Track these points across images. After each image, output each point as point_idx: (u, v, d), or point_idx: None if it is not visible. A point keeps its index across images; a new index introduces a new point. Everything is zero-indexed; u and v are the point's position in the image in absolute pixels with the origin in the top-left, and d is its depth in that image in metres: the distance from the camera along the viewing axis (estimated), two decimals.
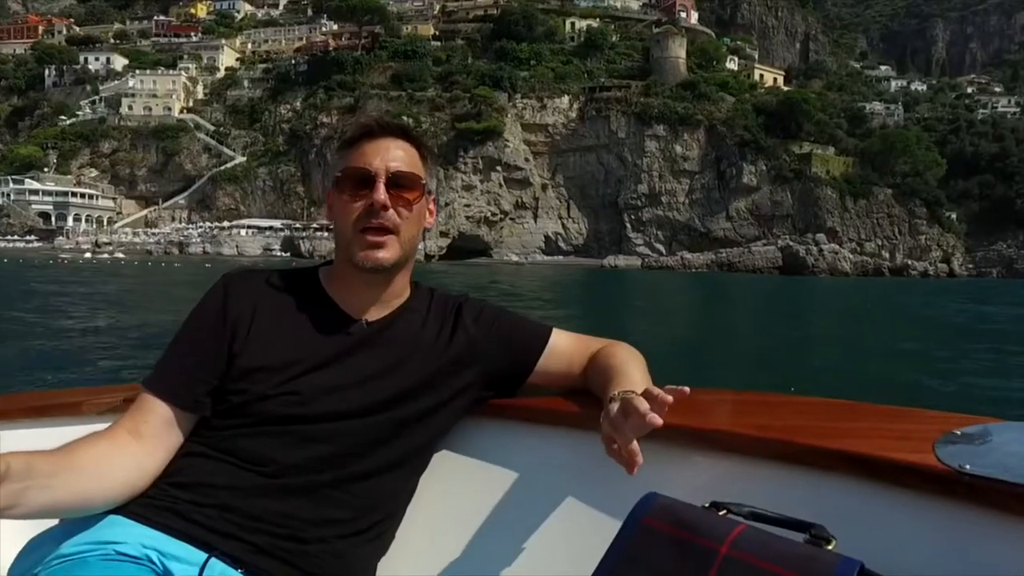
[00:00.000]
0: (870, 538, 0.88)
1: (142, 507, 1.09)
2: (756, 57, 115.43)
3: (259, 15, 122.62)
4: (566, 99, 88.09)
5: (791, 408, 1.26)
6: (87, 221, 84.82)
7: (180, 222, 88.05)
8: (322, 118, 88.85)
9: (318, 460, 1.14)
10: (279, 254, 78.61)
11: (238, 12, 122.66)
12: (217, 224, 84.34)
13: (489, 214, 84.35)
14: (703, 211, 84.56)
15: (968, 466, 0.87)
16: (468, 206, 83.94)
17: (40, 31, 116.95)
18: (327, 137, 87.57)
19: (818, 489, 0.99)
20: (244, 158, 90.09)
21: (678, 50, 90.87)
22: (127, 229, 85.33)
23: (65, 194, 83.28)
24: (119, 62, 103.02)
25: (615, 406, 1.06)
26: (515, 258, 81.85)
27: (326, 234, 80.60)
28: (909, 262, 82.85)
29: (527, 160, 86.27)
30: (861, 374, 11.76)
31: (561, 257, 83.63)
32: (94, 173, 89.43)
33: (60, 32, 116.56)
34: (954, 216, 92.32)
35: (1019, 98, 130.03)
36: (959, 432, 0.98)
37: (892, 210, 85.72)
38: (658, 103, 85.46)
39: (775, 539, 0.85)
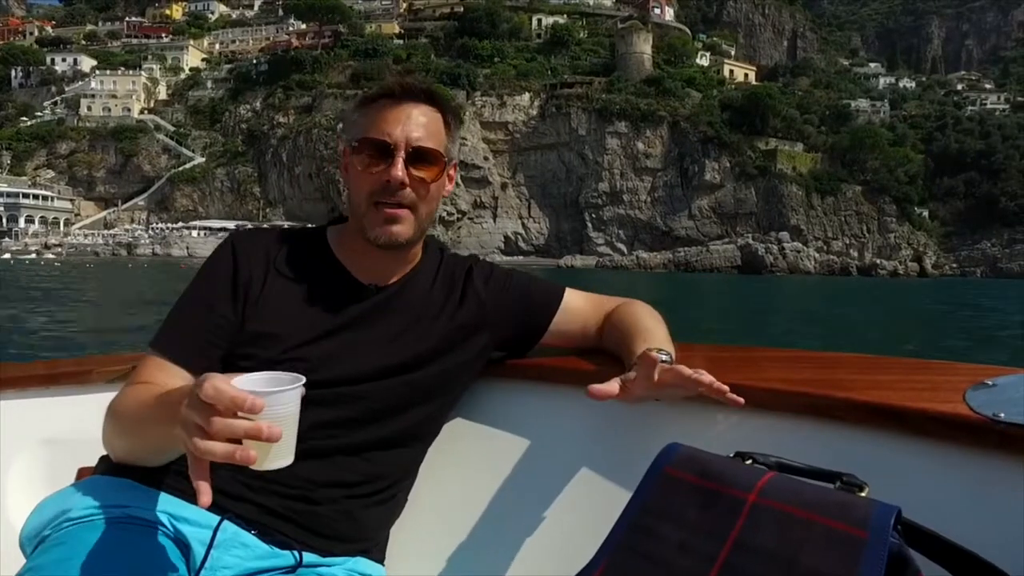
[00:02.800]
0: (901, 489, 0.85)
1: (152, 471, 1.06)
2: (732, 53, 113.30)
3: (233, 16, 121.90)
4: (527, 96, 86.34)
5: (813, 363, 1.23)
6: (41, 223, 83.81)
7: (139, 223, 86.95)
8: (279, 118, 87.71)
9: (330, 424, 1.12)
10: None
11: (212, 13, 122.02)
12: (169, 225, 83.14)
13: (445, 214, 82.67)
14: (665, 209, 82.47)
15: (1003, 414, 0.85)
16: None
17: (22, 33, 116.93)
18: (283, 137, 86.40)
19: (846, 442, 0.98)
20: (203, 159, 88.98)
21: (643, 45, 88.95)
22: (78, 231, 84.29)
23: (16, 195, 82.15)
24: (87, 63, 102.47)
25: (656, 371, 1.04)
26: None
27: None
28: (878, 261, 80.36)
29: (486, 159, 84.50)
30: None
31: (520, 257, 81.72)
32: (50, 174, 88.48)
33: (32, 33, 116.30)
34: (925, 214, 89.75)
35: (1009, 95, 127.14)
36: (990, 382, 0.97)
37: (861, 207, 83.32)
38: (620, 99, 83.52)
39: (806, 486, 0.83)
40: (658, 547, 0.84)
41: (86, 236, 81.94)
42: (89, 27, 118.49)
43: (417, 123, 1.15)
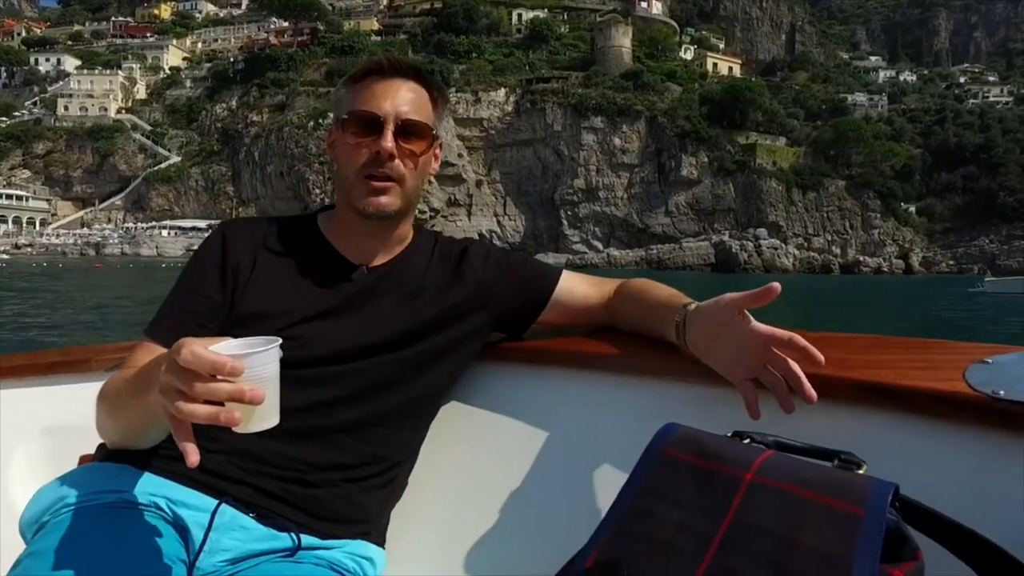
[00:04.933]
0: (900, 468, 0.85)
1: (149, 455, 1.07)
2: (721, 47, 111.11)
3: (221, 15, 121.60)
4: (502, 92, 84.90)
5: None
6: (15, 223, 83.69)
7: (116, 223, 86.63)
8: (253, 116, 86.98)
9: (323, 403, 1.12)
10: None
11: (199, 12, 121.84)
12: (139, 224, 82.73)
13: (418, 212, 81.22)
14: (642, 206, 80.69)
15: (1003, 392, 0.86)
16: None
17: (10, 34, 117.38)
18: (256, 135, 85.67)
19: (844, 422, 0.98)
20: (179, 158, 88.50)
21: (622, 39, 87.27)
22: (51, 231, 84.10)
23: None
24: (71, 63, 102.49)
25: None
26: None
27: None
28: (861, 258, 78.11)
29: (460, 156, 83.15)
30: None
31: None
32: (26, 174, 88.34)
33: (19, 34, 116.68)
34: (912, 209, 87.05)
35: (1013, 87, 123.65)
36: (990, 360, 0.97)
37: (844, 203, 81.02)
38: (596, 94, 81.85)
39: (804, 464, 0.83)
40: (656, 526, 0.84)
41: (58, 236, 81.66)
42: (76, 27, 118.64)
43: (405, 98, 1.16)
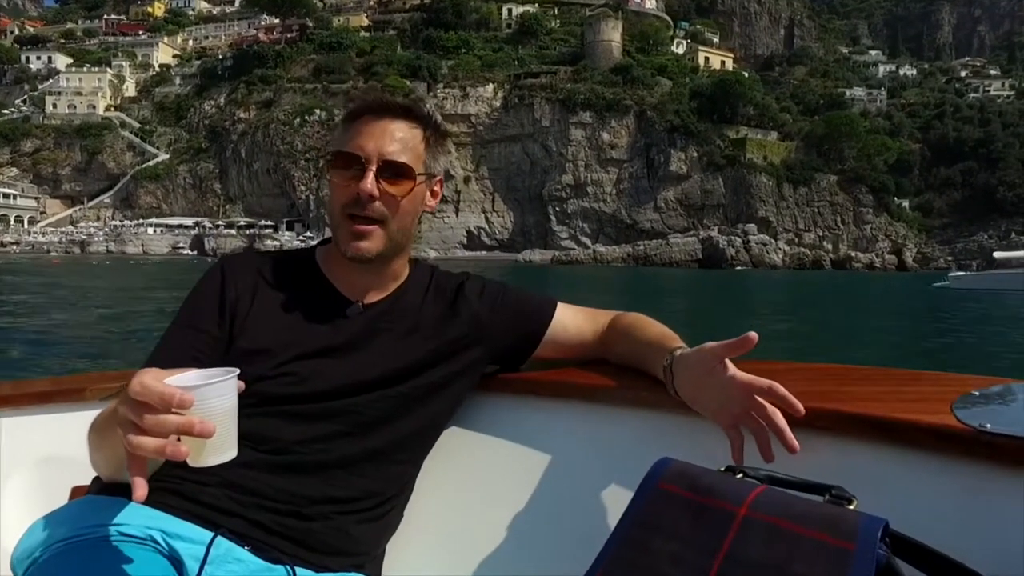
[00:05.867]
0: (890, 500, 0.87)
1: None
2: (716, 42, 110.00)
3: (214, 12, 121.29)
4: (490, 87, 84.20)
5: (801, 374, 1.23)
6: (2, 221, 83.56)
7: (104, 221, 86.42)
8: (240, 113, 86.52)
9: (320, 438, 1.13)
10: (187, 252, 76.33)
11: (192, 10, 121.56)
12: (125, 222, 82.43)
13: None
14: (631, 201, 79.82)
15: (989, 425, 0.86)
16: None
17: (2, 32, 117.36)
18: (243, 132, 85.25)
19: (834, 454, 0.98)
20: (167, 156, 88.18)
21: (612, 33, 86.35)
22: (37, 229, 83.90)
23: None
24: (62, 61, 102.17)
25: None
26: (433, 254, 78.12)
27: (234, 231, 78.42)
28: (853, 254, 76.99)
29: (448, 152, 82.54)
30: None
31: (484, 252, 79.78)
32: (14, 172, 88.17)
33: (12, 32, 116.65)
34: (906, 204, 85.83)
35: (1014, 81, 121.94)
36: (977, 393, 0.98)
37: (835, 198, 79.89)
38: (585, 89, 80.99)
39: (796, 499, 0.84)
40: (651, 560, 0.84)
41: (44, 235, 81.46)
42: (69, 25, 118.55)
43: (392, 137, 1.16)
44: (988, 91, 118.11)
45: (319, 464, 1.12)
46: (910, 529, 0.79)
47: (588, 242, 78.97)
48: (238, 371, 0.84)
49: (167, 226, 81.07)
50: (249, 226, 79.55)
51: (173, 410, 0.78)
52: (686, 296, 30.21)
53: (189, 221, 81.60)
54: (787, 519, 0.79)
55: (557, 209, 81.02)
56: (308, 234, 72.77)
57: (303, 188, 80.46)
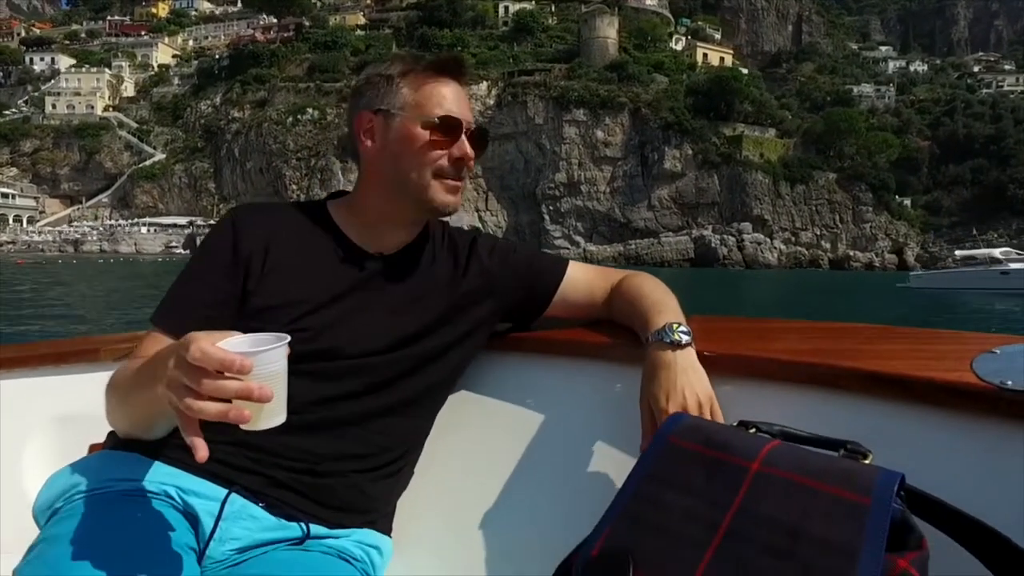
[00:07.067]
0: (906, 457, 0.86)
1: (160, 444, 1.08)
2: (718, 38, 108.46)
3: (217, 12, 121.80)
4: (484, 85, 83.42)
5: (822, 333, 1.23)
6: (1, 221, 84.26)
7: (101, 221, 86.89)
8: (235, 113, 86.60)
9: (335, 397, 1.13)
10: (181, 251, 76.48)
11: (195, 10, 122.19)
12: (120, 221, 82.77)
13: None
14: (625, 200, 78.67)
15: (1010, 382, 0.86)
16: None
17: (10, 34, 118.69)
18: (237, 132, 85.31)
19: (851, 412, 0.98)
20: (163, 156, 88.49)
21: (607, 30, 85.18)
22: (33, 229, 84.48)
23: None
24: (65, 62, 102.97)
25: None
26: None
27: None
28: (852, 253, 75.37)
29: None
30: None
31: None
32: (13, 172, 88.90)
33: (19, 34, 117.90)
34: (908, 203, 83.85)
35: None
36: (998, 351, 0.97)
37: (834, 196, 78.16)
38: (579, 86, 79.99)
39: (810, 454, 0.83)
40: (662, 515, 0.84)
41: (40, 234, 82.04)
42: (74, 26, 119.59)
43: (467, 103, 1.20)
44: (1001, 87, 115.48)
45: (334, 421, 1.11)
46: (927, 486, 0.79)
47: (581, 240, 78.01)
48: (289, 338, 0.84)
49: (160, 225, 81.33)
50: None
51: (228, 375, 0.78)
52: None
53: (183, 220, 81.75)
54: (801, 474, 0.78)
55: (551, 208, 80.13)
56: None
57: (295, 187, 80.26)
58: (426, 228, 1.29)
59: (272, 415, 0.82)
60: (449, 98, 1.16)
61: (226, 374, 0.79)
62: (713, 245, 69.35)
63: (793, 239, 75.81)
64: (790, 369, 1.04)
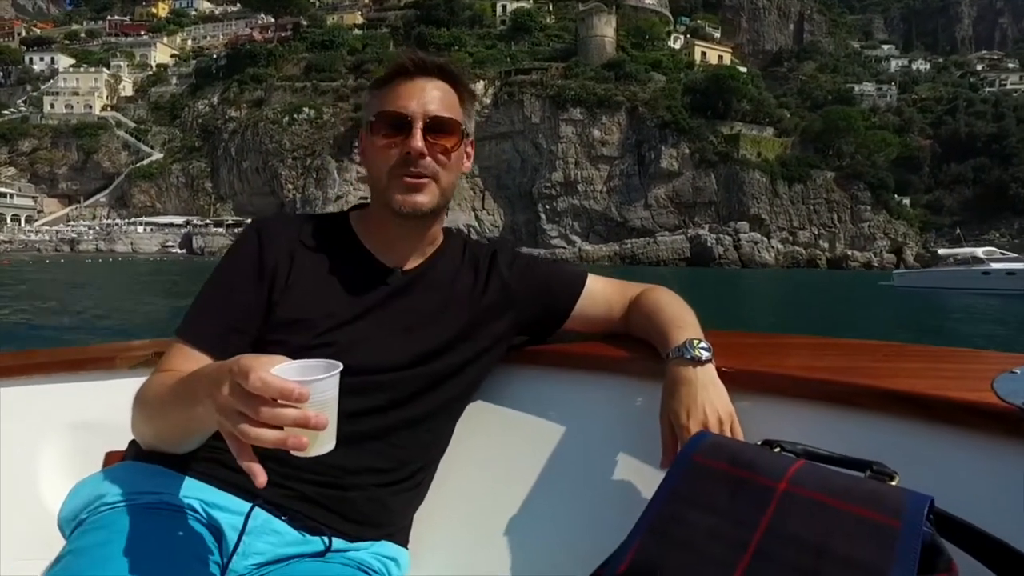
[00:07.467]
0: (929, 478, 0.84)
1: (185, 458, 1.08)
2: (717, 37, 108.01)
3: (216, 12, 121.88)
4: (481, 85, 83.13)
5: (837, 350, 1.22)
6: None
7: (99, 221, 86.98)
8: (231, 112, 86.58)
9: (359, 411, 1.12)
10: (177, 251, 76.56)
11: (195, 10, 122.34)
12: (116, 220, 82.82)
13: None
14: (621, 199, 78.29)
15: None
16: (366, 199, 79.93)
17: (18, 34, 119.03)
18: (233, 131, 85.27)
19: (868, 430, 0.96)
20: (161, 155, 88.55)
21: (605, 28, 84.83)
22: (30, 228, 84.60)
23: None
24: (64, 62, 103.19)
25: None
26: None
27: (221, 230, 78.36)
28: (850, 252, 74.82)
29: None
30: None
31: None
32: (12, 172, 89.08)
33: (19, 34, 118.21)
34: (907, 202, 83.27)
35: None
36: (1018, 371, 0.95)
37: (832, 195, 77.64)
38: (576, 85, 79.67)
39: (836, 475, 0.82)
40: (688, 533, 0.83)
41: (37, 233, 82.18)
42: (74, 26, 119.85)
43: (432, 96, 1.15)
44: (1005, 85, 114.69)
45: (357, 435, 1.10)
46: (950, 507, 0.77)
47: (578, 240, 77.72)
48: (341, 366, 0.85)
49: (157, 225, 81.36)
50: (237, 225, 79.48)
51: (283, 403, 0.79)
52: None
53: (179, 220, 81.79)
54: (829, 494, 0.77)
55: (547, 207, 79.84)
56: None
57: (290, 187, 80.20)
58: (445, 241, 1.28)
59: (325, 442, 0.83)
60: (402, 95, 1.14)
61: (280, 401, 0.79)
62: (709, 244, 68.91)
63: (790, 238, 75.30)
64: (806, 386, 1.02)
